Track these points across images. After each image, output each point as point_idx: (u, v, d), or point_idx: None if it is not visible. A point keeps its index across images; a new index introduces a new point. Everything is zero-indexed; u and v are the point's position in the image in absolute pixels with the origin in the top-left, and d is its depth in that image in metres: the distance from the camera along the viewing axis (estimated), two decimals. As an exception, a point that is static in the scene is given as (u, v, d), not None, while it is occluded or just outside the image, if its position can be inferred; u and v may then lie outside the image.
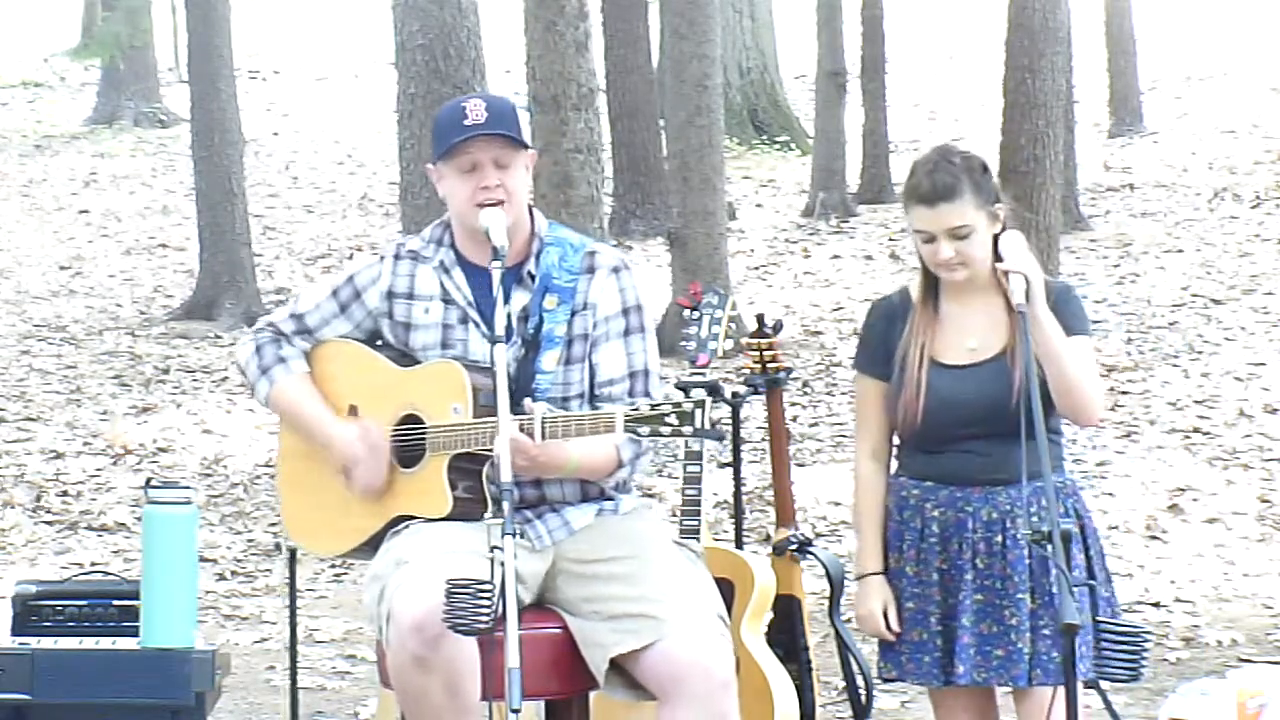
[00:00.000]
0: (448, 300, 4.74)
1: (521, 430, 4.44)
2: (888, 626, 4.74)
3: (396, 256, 4.82)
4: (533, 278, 4.72)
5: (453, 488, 4.60)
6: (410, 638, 4.36)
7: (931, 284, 4.74)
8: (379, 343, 4.84)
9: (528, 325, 4.70)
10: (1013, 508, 4.61)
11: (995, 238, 4.65)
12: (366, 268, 4.85)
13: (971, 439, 4.65)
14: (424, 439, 4.65)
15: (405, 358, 4.78)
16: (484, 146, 4.64)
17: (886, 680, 4.87)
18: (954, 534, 4.69)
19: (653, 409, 4.32)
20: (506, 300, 4.67)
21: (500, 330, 4.48)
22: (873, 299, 4.95)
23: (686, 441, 5.51)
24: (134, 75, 22.72)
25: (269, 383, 4.86)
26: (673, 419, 4.30)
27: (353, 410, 4.79)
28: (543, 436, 4.45)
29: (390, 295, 4.79)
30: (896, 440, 4.81)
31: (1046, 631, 4.60)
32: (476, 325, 4.69)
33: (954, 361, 4.69)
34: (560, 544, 4.67)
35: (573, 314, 4.70)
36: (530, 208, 4.80)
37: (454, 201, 4.72)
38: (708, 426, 4.30)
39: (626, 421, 4.34)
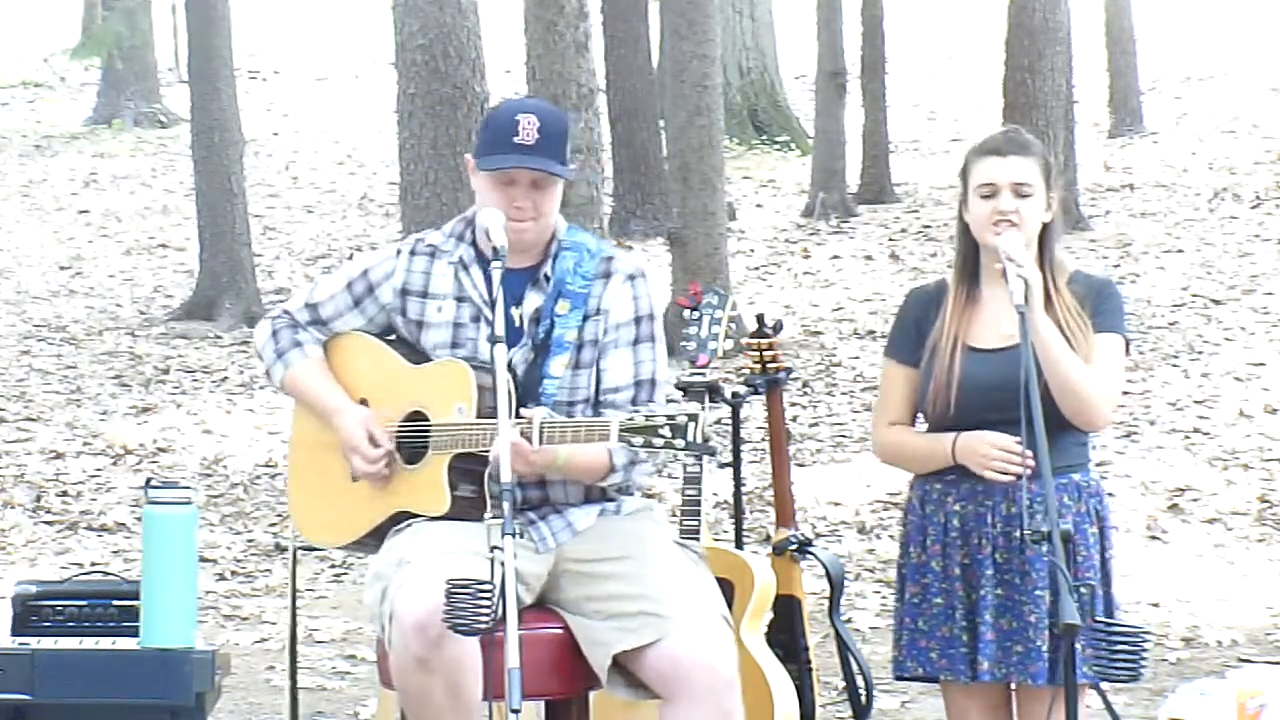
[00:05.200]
0: (461, 298, 4.74)
1: (521, 435, 4.45)
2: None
3: (413, 252, 4.81)
4: (548, 280, 4.72)
5: (454, 488, 4.61)
6: (413, 638, 4.36)
7: (968, 272, 4.74)
8: (392, 336, 4.85)
9: (539, 328, 4.70)
10: (1031, 502, 4.57)
11: (1043, 227, 4.70)
12: (381, 262, 4.84)
13: (998, 426, 4.62)
14: (428, 436, 4.65)
15: (417, 354, 4.78)
16: (551, 174, 4.65)
17: (912, 679, 4.84)
18: (974, 528, 4.68)
19: (647, 419, 4.34)
20: (519, 302, 4.70)
21: (500, 330, 4.48)
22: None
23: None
24: (134, 75, 22.70)
25: (284, 366, 4.87)
26: (665, 431, 4.31)
27: (363, 403, 4.81)
28: (540, 441, 4.46)
29: (404, 293, 4.79)
30: (924, 428, 4.79)
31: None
32: (489, 324, 4.67)
33: (986, 345, 4.68)
34: (563, 545, 4.68)
35: (584, 319, 4.70)
36: None
37: (483, 203, 4.72)
38: (700, 440, 4.30)
39: (620, 430, 4.35)
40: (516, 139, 4.64)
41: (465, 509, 4.57)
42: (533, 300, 4.73)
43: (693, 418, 4.31)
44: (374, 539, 4.75)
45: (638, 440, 4.34)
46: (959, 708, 4.80)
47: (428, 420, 4.68)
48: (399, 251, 4.84)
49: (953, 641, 4.70)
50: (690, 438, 4.30)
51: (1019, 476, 4.57)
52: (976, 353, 4.69)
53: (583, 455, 4.59)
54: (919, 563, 4.75)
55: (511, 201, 4.65)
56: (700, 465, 5.71)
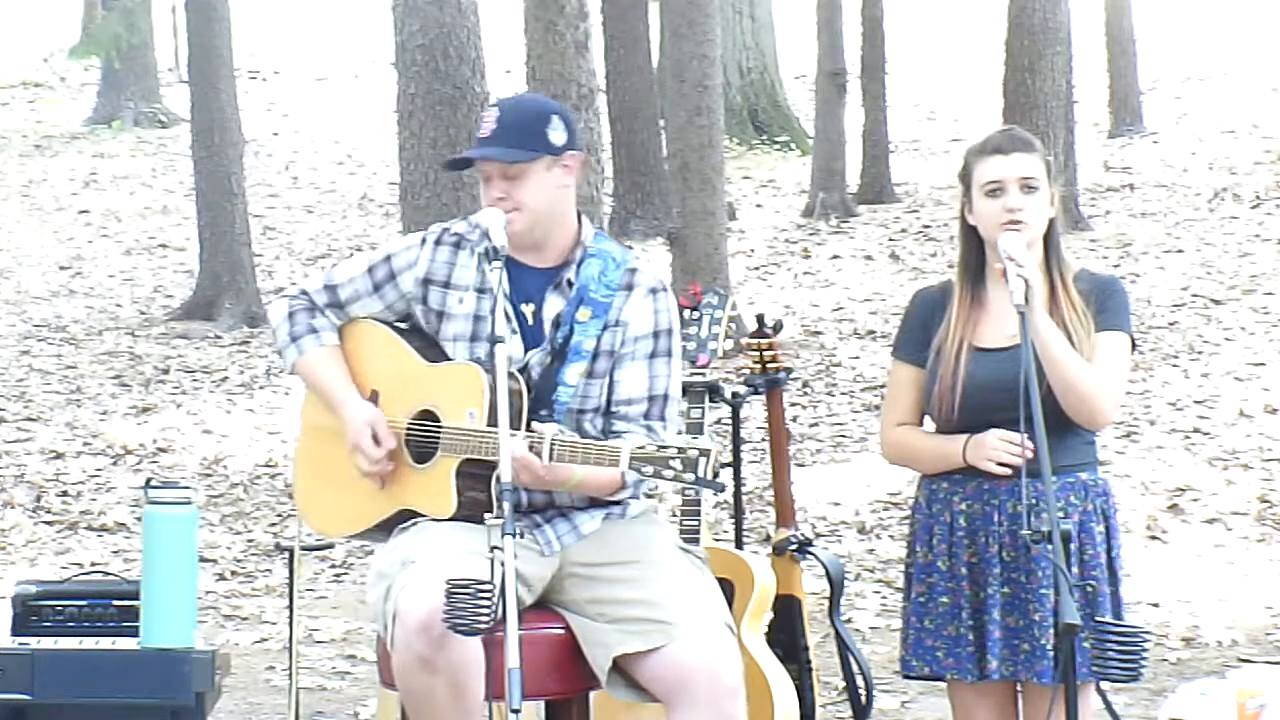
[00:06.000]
0: (482, 290, 4.71)
1: (531, 450, 4.45)
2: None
3: (438, 241, 4.77)
4: (571, 285, 4.71)
5: (461, 491, 4.60)
6: (416, 638, 4.35)
7: (972, 273, 4.75)
8: (408, 327, 4.82)
9: (558, 333, 4.70)
10: (1037, 501, 4.55)
11: (1049, 224, 4.71)
12: (405, 250, 4.80)
13: (1003, 426, 4.62)
14: (438, 438, 4.65)
15: (433, 349, 4.75)
16: (490, 160, 4.65)
17: (919, 678, 4.84)
18: (980, 527, 4.68)
19: (659, 449, 4.35)
20: (537, 301, 4.69)
21: (499, 330, 4.47)
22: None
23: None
24: (134, 75, 22.71)
25: (298, 351, 4.83)
26: (676, 463, 4.32)
27: (374, 395, 4.78)
28: (550, 458, 4.46)
29: (426, 282, 4.76)
30: (930, 427, 4.79)
31: None
32: (509, 321, 4.64)
33: (992, 345, 4.69)
34: (568, 549, 4.68)
35: (603, 329, 4.69)
36: (580, 215, 4.78)
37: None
38: (710, 476, 4.31)
39: (632, 459, 4.36)
40: (479, 133, 4.67)
41: (473, 512, 4.55)
42: (554, 304, 4.71)
43: (704, 453, 4.32)
44: (379, 531, 4.76)
45: (648, 469, 4.35)
46: (965, 707, 4.79)
47: (438, 421, 4.66)
48: (424, 240, 4.80)
49: (959, 640, 4.70)
50: (700, 473, 4.31)
51: (1016, 469, 4.57)
52: (982, 353, 4.69)
53: (596, 478, 4.59)
54: (925, 562, 4.75)
55: (492, 195, 4.66)
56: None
